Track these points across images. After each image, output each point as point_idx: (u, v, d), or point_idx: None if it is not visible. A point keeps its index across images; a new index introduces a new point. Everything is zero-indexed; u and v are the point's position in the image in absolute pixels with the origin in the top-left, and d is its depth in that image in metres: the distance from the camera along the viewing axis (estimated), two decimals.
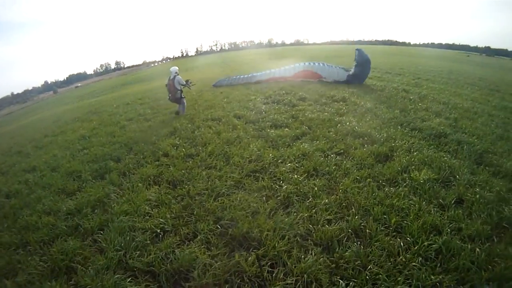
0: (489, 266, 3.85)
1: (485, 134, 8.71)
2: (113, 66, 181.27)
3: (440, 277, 3.66)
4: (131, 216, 5.54)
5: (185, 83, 12.84)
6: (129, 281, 4.07)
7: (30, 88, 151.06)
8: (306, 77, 19.47)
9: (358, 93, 14.58)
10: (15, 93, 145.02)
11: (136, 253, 4.54)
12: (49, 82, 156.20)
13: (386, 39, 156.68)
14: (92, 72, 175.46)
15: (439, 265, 3.89)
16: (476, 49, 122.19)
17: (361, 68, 17.32)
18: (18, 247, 5.43)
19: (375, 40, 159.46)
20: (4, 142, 19.64)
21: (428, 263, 3.92)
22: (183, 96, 13.11)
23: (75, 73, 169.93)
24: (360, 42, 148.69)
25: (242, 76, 21.83)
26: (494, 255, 4.02)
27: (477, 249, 4.07)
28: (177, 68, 13.02)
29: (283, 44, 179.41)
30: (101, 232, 5.28)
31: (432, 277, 3.66)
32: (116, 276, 4.15)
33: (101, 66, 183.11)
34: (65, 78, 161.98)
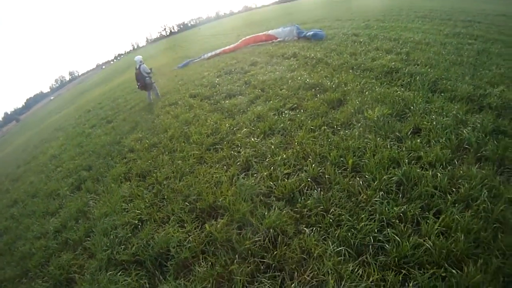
0: (453, 189, 3.91)
1: (438, 62, 8.66)
2: (67, 77, 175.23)
3: (404, 207, 3.72)
4: (111, 216, 5.76)
5: (150, 71, 12.76)
6: (120, 275, 4.33)
7: None
8: (259, 41, 19.61)
9: (309, 45, 14.48)
10: None
11: (121, 248, 4.79)
12: (9, 113, 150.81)
13: None
14: (49, 89, 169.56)
15: (401, 196, 3.97)
16: None
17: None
18: (21, 277, 5.68)
19: None
20: None
21: (390, 196, 4.00)
22: (153, 81, 13.04)
23: (32, 95, 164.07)
24: None
25: (201, 56, 21.95)
26: (457, 178, 4.06)
27: (439, 174, 4.11)
28: (141, 57, 12.91)
29: (231, 14, 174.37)
30: (88, 238, 5.53)
31: (395, 208, 3.72)
32: (109, 273, 4.42)
33: (56, 80, 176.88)
34: (23, 104, 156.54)
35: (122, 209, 5.86)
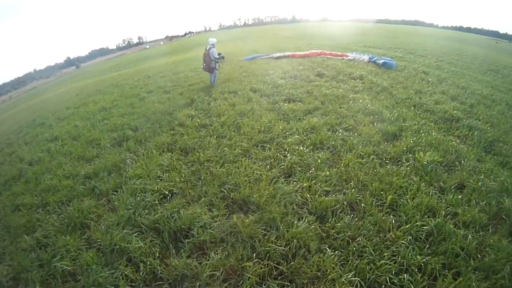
0: (479, 255, 3.85)
1: (499, 122, 8.40)
2: (135, 41, 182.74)
3: (427, 258, 3.73)
4: (144, 179, 6.04)
5: (217, 56, 13.05)
6: (135, 235, 4.53)
7: (52, 64, 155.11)
8: (329, 54, 19.76)
9: (377, 71, 14.45)
10: (37, 69, 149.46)
11: (144, 212, 5.01)
12: (72, 58, 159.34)
13: (414, 19, 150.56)
14: (115, 47, 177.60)
15: (427, 246, 3.97)
16: (506, 36, 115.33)
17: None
18: (38, 207, 6.09)
19: (402, 20, 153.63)
20: (28, 115, 20.70)
21: (417, 243, 4.01)
22: (216, 68, 13.38)
23: (97, 48, 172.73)
24: (386, 21, 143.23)
25: (270, 54, 22.28)
26: (486, 245, 4.01)
27: (470, 236, 4.08)
28: (215, 40, 13.23)
29: (307, 21, 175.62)
30: (115, 193, 5.82)
31: (419, 257, 3.74)
32: (125, 231, 4.63)
33: (123, 41, 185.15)
34: (87, 54, 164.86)
35: (157, 176, 6.12)
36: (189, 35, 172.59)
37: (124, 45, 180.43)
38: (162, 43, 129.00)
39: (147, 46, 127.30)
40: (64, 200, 6.03)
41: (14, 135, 14.42)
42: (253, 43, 41.38)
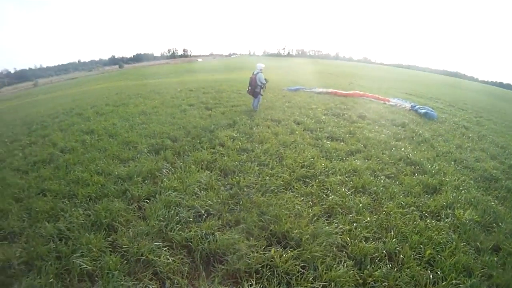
0: None
1: None
2: (180, 52, 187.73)
3: None
4: (179, 193, 6.01)
5: (264, 81, 13.24)
6: (165, 250, 4.46)
7: (97, 59, 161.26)
8: (371, 97, 19.98)
9: (418, 121, 14.32)
10: (81, 61, 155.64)
11: (177, 227, 4.93)
12: (116, 57, 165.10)
13: (454, 71, 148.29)
14: (159, 55, 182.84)
15: None
16: None
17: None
18: (64, 197, 6.12)
19: (443, 70, 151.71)
20: (66, 103, 21.28)
21: None
22: (261, 93, 13.55)
23: (142, 52, 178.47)
24: (427, 70, 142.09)
25: (312, 88, 22.59)
26: None
27: None
28: (263, 65, 13.47)
29: (350, 59, 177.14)
30: (147, 201, 5.79)
31: None
32: (154, 243, 4.56)
33: (169, 50, 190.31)
34: (132, 56, 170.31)
35: (194, 192, 6.06)
36: (233, 56, 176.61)
37: (168, 54, 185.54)
38: (199, 60, 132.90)
39: (199, 60, 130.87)
40: (93, 196, 6.03)
41: (50, 119, 14.82)
42: (295, 74, 42.08)
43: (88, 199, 5.95)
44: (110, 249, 4.60)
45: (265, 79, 13.26)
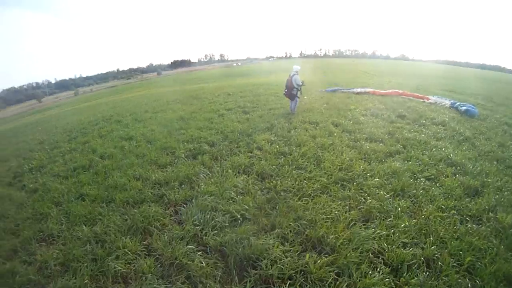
0: None
1: None
2: (217, 57, 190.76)
3: None
4: (215, 197, 6.04)
5: (300, 83, 13.19)
6: (199, 254, 4.48)
7: (135, 67, 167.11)
8: (410, 95, 19.40)
9: (459, 119, 13.60)
10: (120, 69, 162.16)
11: (212, 232, 4.94)
12: (154, 65, 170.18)
13: (495, 65, 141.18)
14: (196, 61, 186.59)
15: None
16: None
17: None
18: (102, 202, 6.35)
19: (482, 64, 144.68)
20: (106, 110, 22.09)
21: None
22: (298, 96, 13.49)
23: (179, 59, 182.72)
24: (466, 64, 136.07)
25: (351, 89, 22.25)
26: None
27: None
28: (299, 67, 13.42)
29: (387, 57, 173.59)
30: (184, 206, 5.87)
31: None
32: (189, 247, 4.61)
33: (206, 56, 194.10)
34: (170, 63, 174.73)
35: (230, 197, 6.06)
36: (270, 59, 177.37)
37: (205, 60, 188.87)
38: (239, 64, 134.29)
39: (235, 64, 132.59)
40: (131, 201, 6.20)
41: (90, 126, 15.49)
42: (333, 75, 41.75)
43: (125, 203, 6.13)
44: (145, 252, 4.72)
45: (302, 81, 13.20)
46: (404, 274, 4.20)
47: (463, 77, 51.27)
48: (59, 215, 5.96)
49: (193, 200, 5.93)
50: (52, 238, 5.33)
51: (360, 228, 5.07)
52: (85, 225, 5.45)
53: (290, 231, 4.98)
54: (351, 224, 5.20)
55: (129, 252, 4.63)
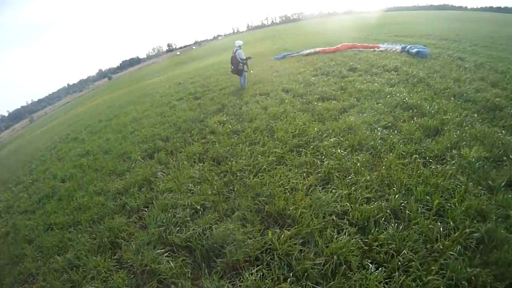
0: None
1: None
2: (165, 48, 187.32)
3: (478, 270, 3.39)
4: (175, 193, 5.97)
5: (244, 58, 13.09)
6: (166, 256, 4.43)
7: (85, 77, 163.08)
8: (360, 46, 19.60)
9: (412, 61, 13.82)
10: (70, 83, 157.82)
11: (175, 229, 4.89)
12: (103, 70, 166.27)
13: (442, 3, 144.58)
14: (145, 56, 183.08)
15: (478, 256, 3.61)
16: None
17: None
18: (70, 226, 6.20)
19: (430, 5, 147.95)
20: (62, 130, 21.55)
21: (467, 253, 3.67)
22: (245, 70, 13.39)
23: (127, 58, 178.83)
24: (414, 8, 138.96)
25: (300, 51, 22.27)
26: None
27: None
28: (241, 42, 13.40)
29: (334, 14, 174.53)
30: (146, 209, 5.77)
31: (469, 269, 3.41)
32: (156, 251, 4.54)
33: (153, 49, 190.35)
34: (119, 64, 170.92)
35: (188, 189, 6.00)
36: (218, 38, 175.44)
37: (154, 53, 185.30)
38: (178, 53, 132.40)
39: (178, 53, 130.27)
40: (95, 218, 6.08)
41: (47, 151, 15.06)
42: (282, 41, 41.63)
43: (91, 222, 5.99)
44: (118, 266, 4.64)
45: (248, 57, 13.16)
46: (372, 231, 4.14)
47: (411, 20, 51.75)
48: (33, 252, 5.79)
49: (154, 202, 5.83)
50: (32, 277, 5.20)
51: (320, 193, 5.03)
52: (58, 255, 5.32)
53: (250, 211, 4.95)
54: (310, 190, 5.18)
55: (103, 271, 4.54)
